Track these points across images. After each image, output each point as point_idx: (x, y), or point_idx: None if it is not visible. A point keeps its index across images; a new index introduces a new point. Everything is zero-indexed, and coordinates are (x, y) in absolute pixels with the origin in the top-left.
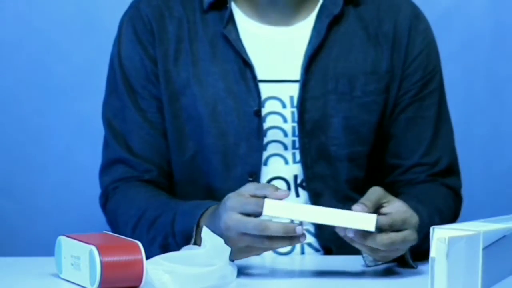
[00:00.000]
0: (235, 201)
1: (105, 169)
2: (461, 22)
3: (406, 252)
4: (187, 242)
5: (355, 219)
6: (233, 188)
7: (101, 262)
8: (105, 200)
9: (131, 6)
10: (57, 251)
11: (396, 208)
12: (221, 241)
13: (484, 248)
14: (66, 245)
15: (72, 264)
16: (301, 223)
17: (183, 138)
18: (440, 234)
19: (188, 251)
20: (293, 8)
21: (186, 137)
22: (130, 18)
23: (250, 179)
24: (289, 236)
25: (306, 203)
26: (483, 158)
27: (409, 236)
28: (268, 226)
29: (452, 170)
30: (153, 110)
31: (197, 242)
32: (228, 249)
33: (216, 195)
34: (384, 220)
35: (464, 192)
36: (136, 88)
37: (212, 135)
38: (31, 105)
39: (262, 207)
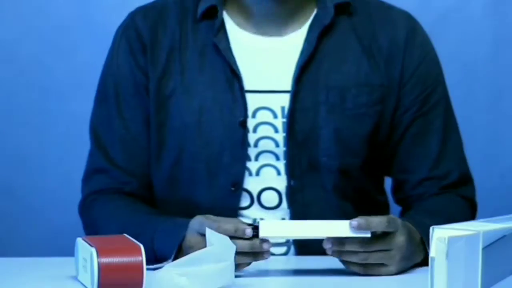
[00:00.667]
0: (197, 221)
1: (86, 178)
2: (461, 22)
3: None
4: (164, 260)
5: (350, 228)
6: (216, 198)
7: (99, 264)
8: (83, 210)
9: (128, 16)
10: (76, 253)
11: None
12: (227, 238)
13: (484, 248)
14: (81, 247)
15: (83, 266)
16: (267, 240)
17: (163, 148)
18: (440, 234)
19: (195, 252)
20: (286, 18)
21: (166, 147)
22: (125, 29)
23: (233, 188)
24: (253, 252)
25: (297, 214)
26: (483, 158)
27: (395, 238)
28: (235, 242)
29: (465, 179)
30: (138, 121)
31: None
32: (234, 247)
33: (197, 206)
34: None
35: None
36: (124, 97)
37: (196, 144)
38: (31, 105)
39: (217, 224)
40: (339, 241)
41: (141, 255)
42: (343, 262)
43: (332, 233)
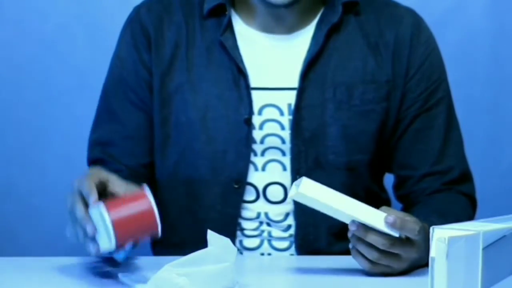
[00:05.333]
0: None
1: (89, 145)
2: (461, 22)
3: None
4: None
5: (384, 221)
6: (219, 194)
7: (112, 221)
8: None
9: (134, 10)
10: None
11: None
12: (228, 240)
13: (484, 248)
14: (93, 214)
15: (99, 231)
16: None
17: (167, 144)
18: (440, 234)
19: (195, 253)
20: (294, 17)
21: (171, 142)
22: (130, 22)
23: (236, 186)
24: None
25: (303, 211)
26: (483, 158)
27: (411, 245)
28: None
29: (466, 176)
30: (138, 115)
31: None
32: (234, 248)
33: (200, 201)
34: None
35: None
36: (125, 90)
37: (201, 140)
38: (31, 105)
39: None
40: (365, 228)
41: (148, 199)
42: (354, 253)
43: (364, 218)
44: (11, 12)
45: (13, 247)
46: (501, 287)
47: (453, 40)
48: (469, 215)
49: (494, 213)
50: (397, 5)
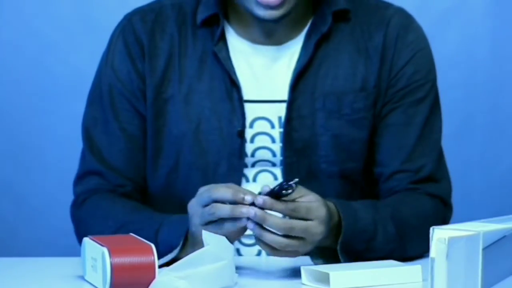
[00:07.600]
0: (196, 197)
1: (78, 179)
2: (461, 22)
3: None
4: (169, 251)
5: (402, 274)
6: None
7: (111, 264)
8: (74, 210)
9: (125, 18)
10: (82, 253)
11: (305, 198)
12: (223, 238)
13: (484, 248)
14: (89, 246)
15: (92, 266)
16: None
17: (159, 155)
18: (440, 234)
19: (192, 254)
20: (284, 27)
21: (163, 154)
22: (122, 30)
23: None
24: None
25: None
26: (483, 158)
27: (313, 227)
28: (219, 207)
29: (436, 177)
30: (134, 124)
31: (181, 255)
32: (232, 246)
33: None
34: (289, 205)
35: (464, 192)
36: (120, 100)
37: (193, 152)
38: (31, 105)
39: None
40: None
41: (153, 254)
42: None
43: (401, 279)
44: (11, 12)
45: (13, 247)
46: (501, 287)
47: (453, 40)
48: (425, 216)
49: (494, 213)
50: (388, 6)
